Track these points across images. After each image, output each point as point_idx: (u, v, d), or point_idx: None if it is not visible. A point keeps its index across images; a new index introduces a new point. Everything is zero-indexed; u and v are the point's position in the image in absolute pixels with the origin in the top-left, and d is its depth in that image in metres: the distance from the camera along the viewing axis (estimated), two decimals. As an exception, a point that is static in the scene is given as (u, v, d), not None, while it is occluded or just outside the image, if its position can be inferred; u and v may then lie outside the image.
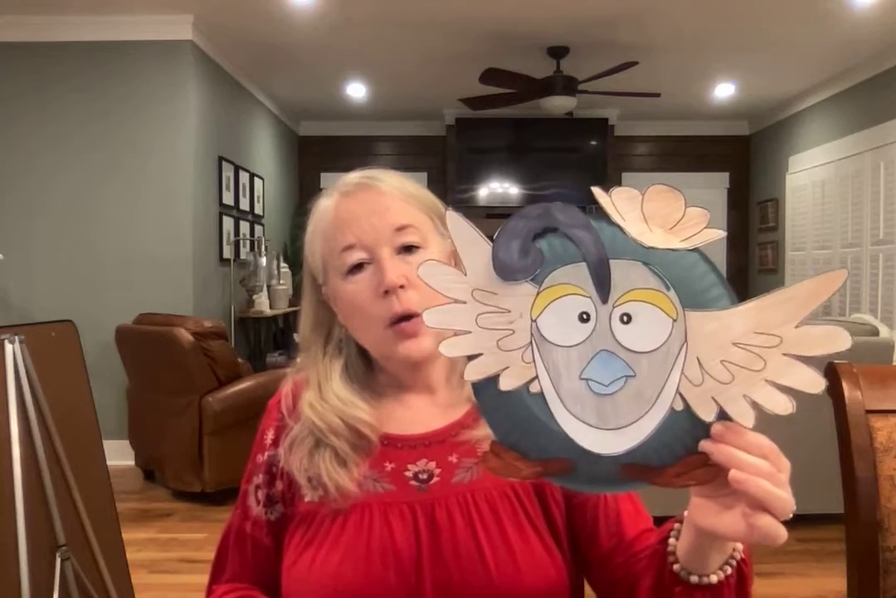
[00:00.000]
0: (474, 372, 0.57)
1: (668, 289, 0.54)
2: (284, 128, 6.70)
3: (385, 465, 0.84)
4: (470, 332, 0.57)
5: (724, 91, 5.92)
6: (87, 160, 4.32)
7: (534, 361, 0.56)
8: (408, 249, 0.84)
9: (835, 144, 5.56)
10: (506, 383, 0.57)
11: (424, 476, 0.83)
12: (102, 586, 1.88)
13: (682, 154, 7.13)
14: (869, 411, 0.99)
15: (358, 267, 0.84)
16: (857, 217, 5.25)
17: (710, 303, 0.54)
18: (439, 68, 5.30)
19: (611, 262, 0.54)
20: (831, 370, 1.01)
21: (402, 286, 0.81)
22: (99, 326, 3.98)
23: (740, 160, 7.17)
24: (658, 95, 5.31)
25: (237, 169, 5.20)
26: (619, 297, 0.55)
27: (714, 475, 0.55)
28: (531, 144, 6.70)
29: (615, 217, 0.55)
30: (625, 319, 0.55)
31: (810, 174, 5.96)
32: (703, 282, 0.54)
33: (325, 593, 0.78)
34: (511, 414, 0.58)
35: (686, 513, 0.64)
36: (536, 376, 0.57)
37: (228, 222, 5.04)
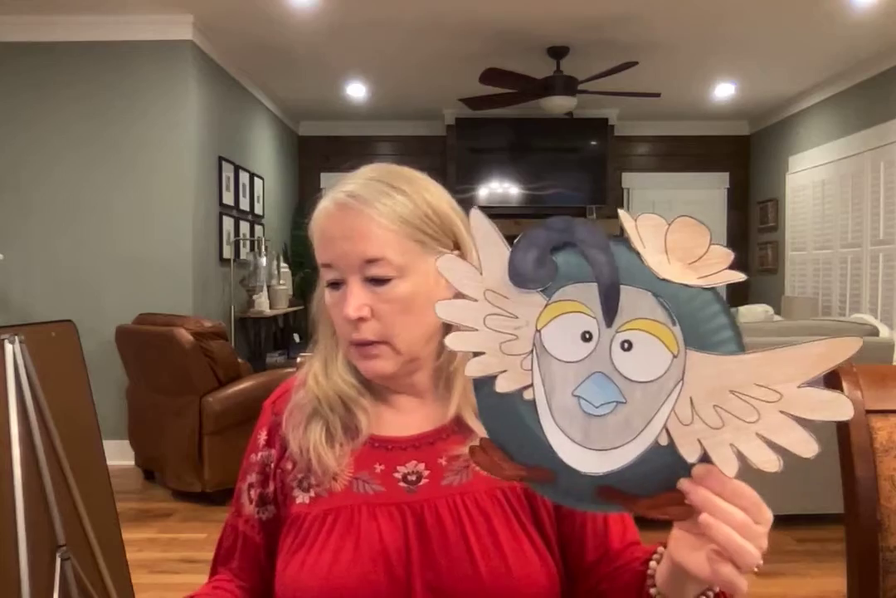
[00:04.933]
0: (474, 369, 0.59)
1: (673, 324, 0.54)
2: (284, 128, 6.70)
3: (375, 467, 0.84)
4: (477, 330, 0.58)
5: (724, 91, 5.92)
6: (87, 160, 4.32)
7: (532, 369, 0.57)
8: (377, 280, 0.82)
9: (835, 144, 5.56)
10: (501, 386, 0.58)
11: (413, 478, 0.84)
12: (102, 586, 1.88)
13: (682, 154, 7.13)
14: (869, 411, 0.99)
15: (335, 284, 0.84)
16: (857, 217, 5.25)
17: (716, 346, 0.53)
18: (439, 68, 5.30)
19: (621, 287, 0.54)
20: (831, 370, 1.00)
21: (362, 319, 0.81)
22: (99, 326, 3.98)
23: (740, 160, 7.17)
24: (658, 95, 5.31)
25: (237, 169, 5.20)
26: (623, 323, 0.55)
27: (687, 514, 0.55)
28: (531, 144, 6.70)
29: (636, 243, 0.54)
30: (625, 345, 0.55)
31: (810, 174, 5.96)
32: (712, 323, 0.53)
33: (316, 594, 0.79)
34: (503, 416, 0.59)
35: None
36: (532, 385, 0.57)
37: (228, 222, 5.04)
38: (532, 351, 0.57)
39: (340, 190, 0.84)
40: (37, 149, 4.30)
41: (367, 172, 0.86)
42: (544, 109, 5.13)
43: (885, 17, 4.17)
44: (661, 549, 0.72)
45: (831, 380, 1.01)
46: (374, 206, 0.81)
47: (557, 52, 4.88)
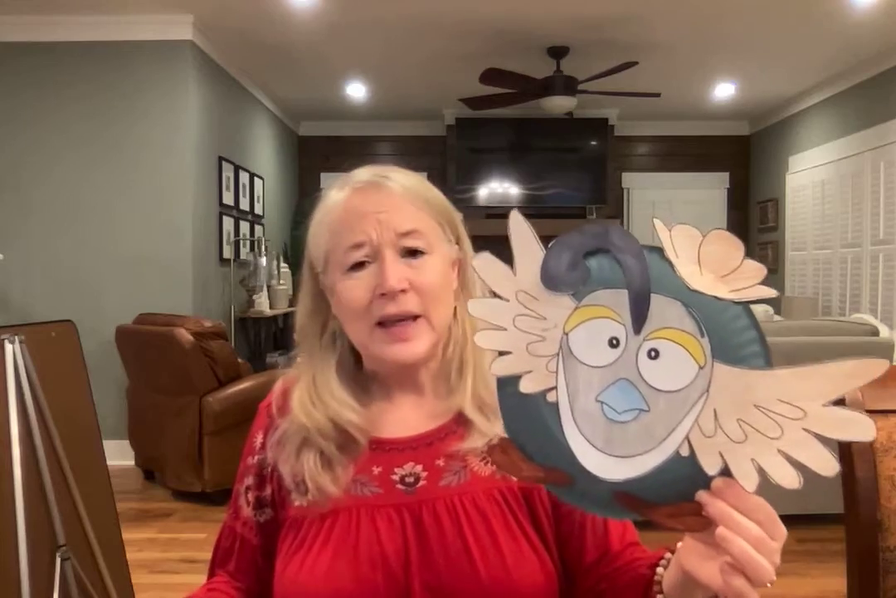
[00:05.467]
0: (500, 367, 0.59)
1: (702, 335, 0.54)
2: (284, 128, 6.70)
3: (373, 469, 0.84)
4: (506, 329, 0.58)
5: (724, 91, 5.92)
6: (87, 160, 4.32)
7: (557, 371, 0.57)
8: (412, 253, 0.82)
9: (835, 144, 5.56)
10: (525, 386, 0.58)
11: (411, 479, 0.83)
12: (102, 586, 1.88)
13: (682, 154, 7.13)
14: (869, 411, 0.98)
15: (360, 264, 0.82)
16: (857, 217, 5.25)
17: (744, 360, 0.53)
18: (439, 68, 5.30)
19: (652, 296, 0.54)
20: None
21: (403, 290, 0.80)
22: (99, 326, 3.98)
23: (740, 160, 7.17)
24: (658, 95, 5.31)
25: (237, 169, 5.20)
26: (651, 331, 0.55)
27: (703, 526, 0.56)
28: (531, 144, 6.70)
29: (669, 253, 0.54)
30: (652, 354, 0.55)
31: (810, 174, 5.96)
32: (741, 337, 0.54)
33: (314, 596, 0.79)
34: (524, 416, 0.59)
35: (679, 545, 0.65)
36: (556, 387, 0.58)
37: (228, 222, 5.04)
38: (558, 354, 0.57)
39: (365, 175, 0.85)
40: (37, 149, 4.30)
41: (372, 167, 0.87)
42: (544, 109, 5.13)
43: (885, 17, 4.17)
44: (668, 555, 0.72)
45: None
46: (405, 185, 0.84)
47: (557, 52, 4.88)
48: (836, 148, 5.53)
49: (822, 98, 5.75)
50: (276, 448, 0.86)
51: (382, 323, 0.82)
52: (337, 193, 0.86)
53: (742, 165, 7.17)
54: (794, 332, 3.15)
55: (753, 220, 7.07)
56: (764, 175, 6.91)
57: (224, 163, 4.92)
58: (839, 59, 5.02)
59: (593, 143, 6.73)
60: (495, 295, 0.59)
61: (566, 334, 0.57)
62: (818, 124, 5.88)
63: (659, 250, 0.55)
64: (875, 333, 3.28)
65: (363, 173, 0.86)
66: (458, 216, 0.89)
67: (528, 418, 0.58)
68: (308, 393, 0.86)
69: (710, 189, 7.16)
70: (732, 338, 0.53)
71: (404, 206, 0.83)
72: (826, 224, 5.70)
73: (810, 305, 5.76)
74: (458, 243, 0.88)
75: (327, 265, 0.85)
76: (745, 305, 0.54)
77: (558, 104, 5.01)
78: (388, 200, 0.83)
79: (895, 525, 0.96)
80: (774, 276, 6.55)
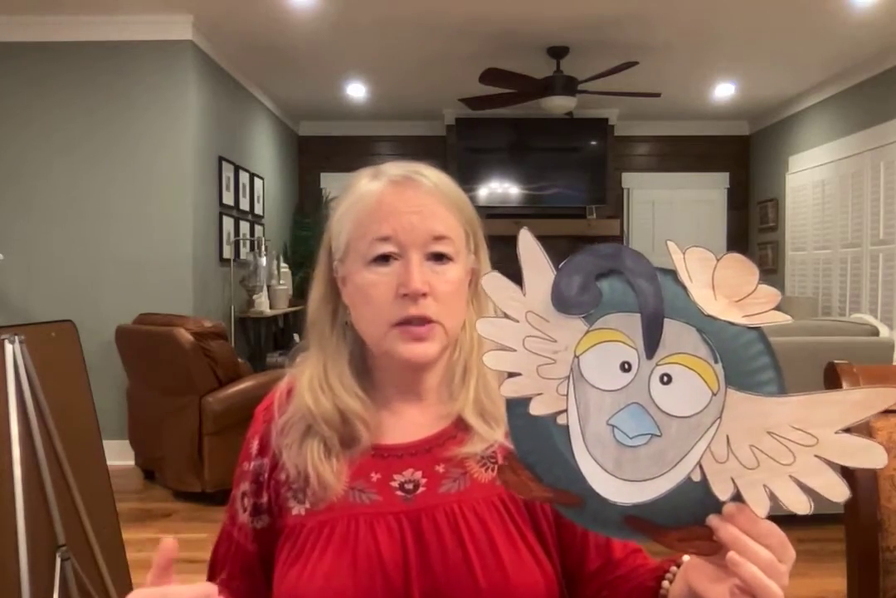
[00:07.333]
0: (510, 389, 0.58)
1: (715, 361, 0.53)
2: (284, 128, 6.70)
3: (371, 475, 0.83)
4: (515, 350, 0.58)
5: (724, 91, 5.92)
6: (87, 160, 4.31)
7: (567, 394, 0.57)
8: (438, 258, 0.82)
9: (835, 144, 5.56)
10: (535, 408, 0.58)
11: (410, 486, 0.82)
12: (102, 586, 1.88)
13: (682, 154, 7.12)
14: (869, 411, 0.98)
15: (384, 259, 0.81)
16: (857, 217, 5.24)
17: (757, 386, 0.53)
18: (439, 68, 5.30)
19: (665, 320, 0.54)
20: (831, 370, 1.01)
21: (424, 294, 0.79)
22: (99, 326, 3.98)
23: (740, 160, 7.17)
24: (658, 95, 5.31)
25: (237, 169, 5.20)
26: (664, 356, 0.54)
27: (714, 550, 0.56)
28: (531, 144, 6.70)
29: (683, 277, 0.54)
30: (665, 379, 0.54)
31: (810, 174, 5.96)
32: (755, 363, 0.53)
33: None
34: (534, 437, 0.59)
35: (685, 558, 0.65)
36: (566, 410, 0.57)
37: (228, 222, 5.03)
38: (569, 376, 0.57)
39: (400, 169, 0.84)
40: (37, 149, 4.30)
41: (407, 163, 0.86)
42: (544, 109, 5.13)
43: (885, 17, 4.17)
44: (673, 569, 0.72)
45: (831, 378, 1.01)
46: (442, 188, 0.83)
47: (557, 52, 4.88)
48: (836, 148, 5.53)
49: (822, 98, 5.74)
50: (280, 435, 0.85)
51: (399, 323, 0.81)
52: (369, 182, 0.84)
53: (742, 165, 7.17)
54: (794, 332, 3.15)
55: (753, 220, 7.07)
56: (764, 175, 6.91)
57: (224, 163, 4.92)
58: (839, 59, 5.02)
59: (593, 143, 6.73)
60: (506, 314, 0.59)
61: (577, 357, 0.57)
62: (818, 124, 5.88)
63: (672, 273, 0.54)
64: (875, 333, 3.28)
65: (397, 168, 0.85)
66: (481, 226, 0.88)
67: (539, 439, 0.58)
68: (318, 379, 0.85)
69: (710, 189, 7.16)
70: (746, 364, 0.53)
71: (438, 209, 0.82)
72: (826, 224, 5.70)
73: (810, 305, 5.75)
74: (475, 253, 0.87)
75: (347, 254, 0.84)
76: (759, 331, 0.53)
77: (558, 104, 5.01)
78: (423, 199, 0.82)
79: (895, 525, 0.96)
80: (774, 276, 6.55)
